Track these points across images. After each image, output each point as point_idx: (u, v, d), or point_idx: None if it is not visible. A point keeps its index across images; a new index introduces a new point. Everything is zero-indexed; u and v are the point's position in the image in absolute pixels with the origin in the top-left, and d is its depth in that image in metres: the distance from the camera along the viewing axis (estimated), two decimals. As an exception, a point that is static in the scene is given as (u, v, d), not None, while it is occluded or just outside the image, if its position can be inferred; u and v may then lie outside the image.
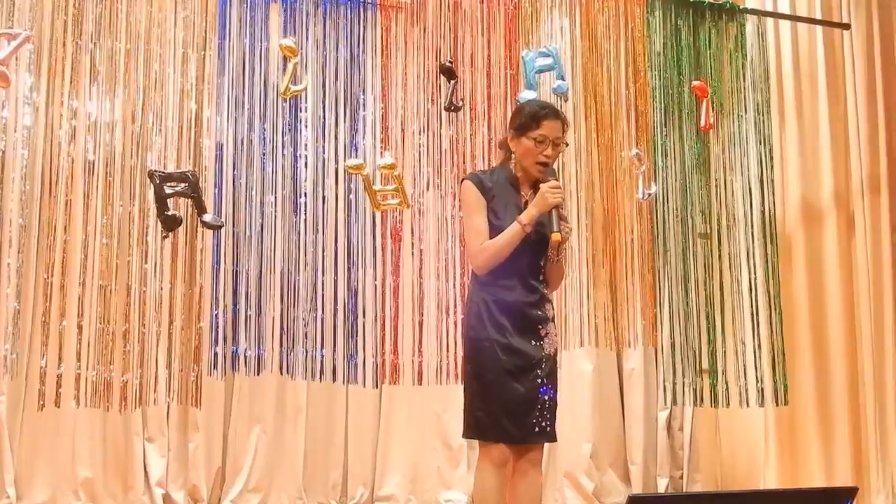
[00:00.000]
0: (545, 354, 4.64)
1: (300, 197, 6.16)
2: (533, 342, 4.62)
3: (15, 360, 5.96)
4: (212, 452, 7.30)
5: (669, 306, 6.92)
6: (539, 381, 4.60)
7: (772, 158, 7.32)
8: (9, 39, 5.38)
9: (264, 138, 6.13)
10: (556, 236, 4.55)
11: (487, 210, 4.66)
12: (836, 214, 7.57)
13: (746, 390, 7.04)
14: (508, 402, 4.54)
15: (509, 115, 5.30)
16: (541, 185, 4.62)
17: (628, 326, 6.90)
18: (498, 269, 4.62)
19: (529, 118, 4.74)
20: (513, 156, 4.81)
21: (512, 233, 4.58)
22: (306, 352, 6.13)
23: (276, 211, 6.12)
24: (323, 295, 6.17)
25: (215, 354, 5.96)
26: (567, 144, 4.91)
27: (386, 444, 7.71)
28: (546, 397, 4.61)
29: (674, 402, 7.07)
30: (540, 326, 4.65)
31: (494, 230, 4.64)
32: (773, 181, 7.30)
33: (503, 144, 4.92)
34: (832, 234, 7.58)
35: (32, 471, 6.85)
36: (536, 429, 4.58)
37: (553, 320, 4.76)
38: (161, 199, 5.52)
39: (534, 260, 4.70)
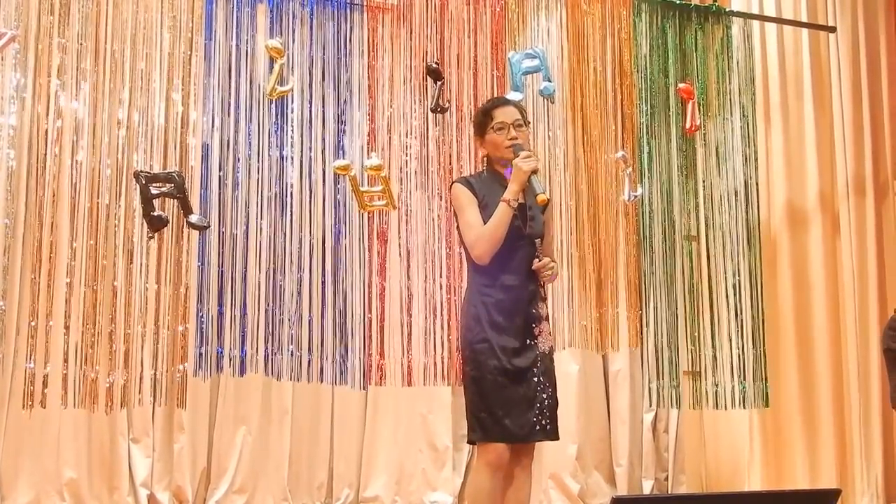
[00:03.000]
0: (540, 352, 4.65)
1: (286, 198, 6.15)
2: (528, 341, 4.63)
3: (0, 359, 5.95)
4: (197, 453, 7.28)
5: (655, 308, 6.93)
6: (536, 379, 4.60)
7: (757, 160, 7.34)
8: (-5, 39, 5.39)
9: (250, 139, 6.12)
10: (541, 198, 4.57)
11: (480, 208, 4.68)
12: (822, 216, 7.61)
13: (731, 392, 7.05)
14: (508, 402, 4.54)
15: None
16: (514, 161, 4.64)
17: (614, 328, 6.91)
18: (496, 267, 4.63)
19: (481, 116, 4.86)
20: (485, 160, 4.88)
21: (500, 212, 4.60)
22: (292, 353, 6.12)
23: (262, 212, 6.11)
24: (310, 296, 6.16)
25: (200, 355, 5.94)
26: (528, 123, 4.93)
27: (371, 445, 7.70)
28: (544, 395, 4.61)
29: (659, 403, 7.08)
30: (534, 325, 4.66)
31: None
32: (758, 183, 7.32)
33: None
34: (817, 237, 7.62)
35: (17, 471, 6.82)
36: (537, 427, 4.58)
37: (547, 319, 4.77)
38: (147, 200, 5.51)
39: (530, 259, 4.70)
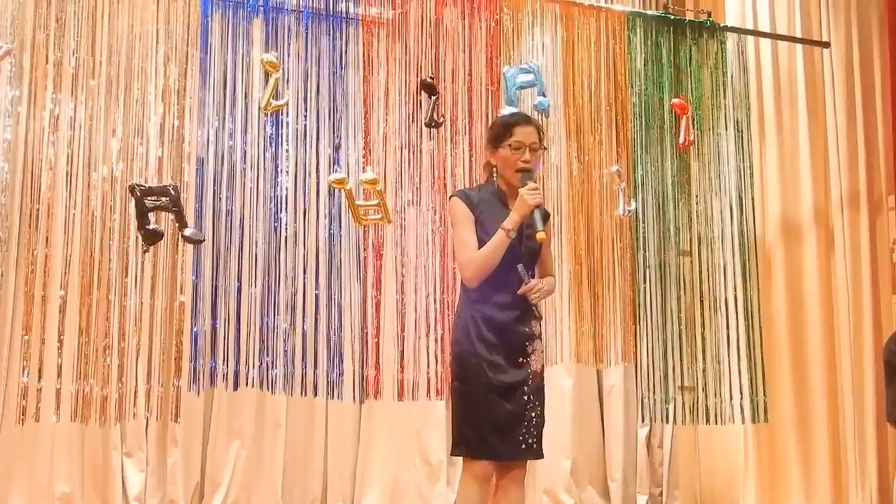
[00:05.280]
0: (532, 371, 4.64)
1: (281, 212, 6.15)
2: (520, 359, 4.63)
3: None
4: (190, 467, 7.28)
5: (649, 323, 6.92)
6: (526, 398, 4.60)
7: (752, 175, 7.33)
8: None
9: (245, 153, 6.11)
10: (541, 235, 4.59)
11: (476, 225, 4.67)
12: (816, 231, 7.62)
13: (728, 407, 7.03)
14: (495, 419, 4.53)
15: (490, 132, 5.30)
16: (519, 191, 4.63)
17: (608, 342, 6.91)
18: (488, 285, 4.62)
19: (501, 128, 4.82)
20: (495, 170, 4.84)
21: (498, 240, 4.59)
22: (286, 367, 6.10)
23: (257, 225, 6.10)
24: (304, 310, 6.15)
25: (195, 369, 5.93)
26: (545, 149, 4.93)
27: (365, 459, 7.70)
28: (533, 414, 4.61)
29: (653, 418, 7.07)
30: (527, 343, 4.66)
31: (483, 245, 4.65)
32: (752, 198, 7.31)
33: (487, 166, 4.94)
34: (812, 251, 7.63)
35: (9, 485, 6.80)
36: (523, 445, 4.57)
37: (540, 337, 4.76)
38: (142, 213, 5.50)
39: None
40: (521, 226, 4.66)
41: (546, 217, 4.86)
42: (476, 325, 4.62)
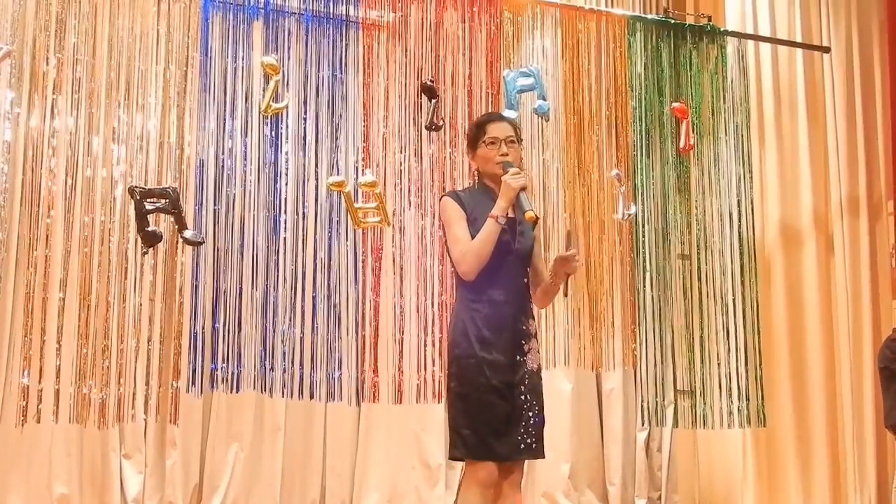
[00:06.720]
0: (528, 370, 4.62)
1: (281, 214, 6.15)
2: (517, 357, 4.60)
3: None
4: (189, 469, 7.27)
5: (649, 327, 6.92)
6: (523, 397, 4.58)
7: (751, 179, 7.33)
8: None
9: (245, 155, 6.12)
10: (529, 215, 4.56)
11: (468, 223, 4.66)
12: (816, 236, 7.62)
13: (727, 412, 7.03)
14: (494, 420, 4.50)
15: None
16: (503, 177, 4.63)
17: (608, 346, 6.90)
18: (483, 283, 4.61)
19: (475, 129, 4.85)
20: (476, 173, 4.86)
21: (488, 228, 4.57)
22: (285, 369, 6.10)
23: (256, 227, 6.10)
24: (303, 312, 6.15)
25: (194, 371, 5.93)
26: (521, 140, 4.93)
27: (364, 462, 7.69)
28: (530, 413, 4.59)
29: (652, 422, 7.07)
30: (524, 342, 4.63)
31: None
32: (752, 202, 7.31)
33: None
34: (811, 256, 7.62)
35: (7, 487, 6.80)
36: (522, 445, 4.54)
37: (536, 336, 4.75)
38: (141, 216, 5.51)
39: (519, 275, 4.70)
40: (514, 223, 4.66)
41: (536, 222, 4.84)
42: (474, 325, 4.59)
